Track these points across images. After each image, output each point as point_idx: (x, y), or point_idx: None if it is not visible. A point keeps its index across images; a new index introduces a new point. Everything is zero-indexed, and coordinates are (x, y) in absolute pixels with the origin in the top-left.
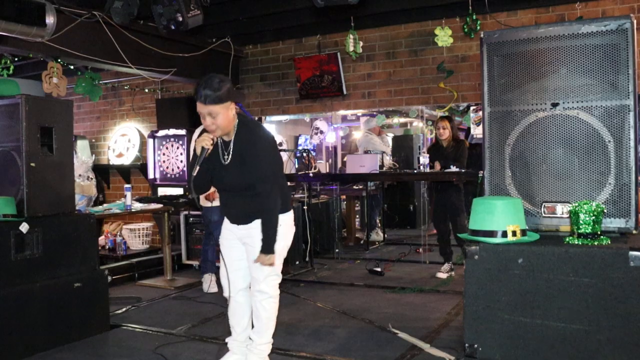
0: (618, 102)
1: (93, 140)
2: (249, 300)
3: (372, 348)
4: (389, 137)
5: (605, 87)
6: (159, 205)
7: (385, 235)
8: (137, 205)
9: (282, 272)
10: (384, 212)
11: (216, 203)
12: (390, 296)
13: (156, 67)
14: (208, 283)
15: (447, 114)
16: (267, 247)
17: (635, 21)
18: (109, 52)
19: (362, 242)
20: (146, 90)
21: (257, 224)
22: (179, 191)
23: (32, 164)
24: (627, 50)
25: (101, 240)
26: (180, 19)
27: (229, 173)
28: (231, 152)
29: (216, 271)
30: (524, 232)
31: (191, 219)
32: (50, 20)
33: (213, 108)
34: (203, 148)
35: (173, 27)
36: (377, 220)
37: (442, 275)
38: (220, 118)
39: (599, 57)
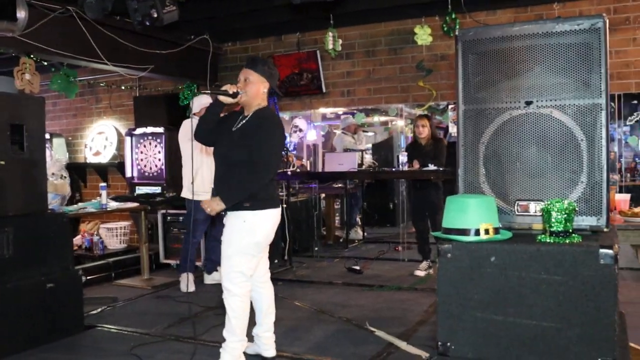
0: (590, 100)
1: (69, 138)
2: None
3: (348, 346)
4: (368, 135)
5: (578, 85)
6: (136, 204)
7: (365, 234)
8: (113, 204)
9: None
10: (363, 210)
11: (198, 197)
12: (369, 294)
13: (133, 64)
14: (186, 282)
15: (426, 112)
16: (223, 195)
17: (607, 21)
18: (83, 48)
19: (341, 240)
20: (123, 88)
21: (232, 216)
22: (156, 190)
23: (2, 162)
24: (599, 50)
25: (78, 239)
26: (155, 14)
27: (230, 140)
28: (242, 124)
29: (194, 271)
30: (496, 230)
31: (169, 217)
32: (21, 14)
33: (249, 73)
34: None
35: (148, 23)
36: (357, 219)
37: (420, 273)
38: (251, 87)
39: (573, 55)
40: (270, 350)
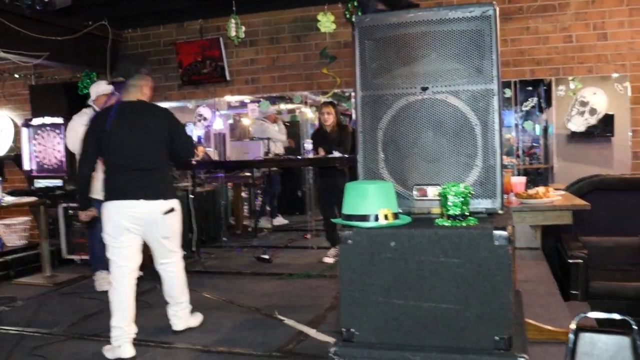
0: (483, 86)
1: None
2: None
3: (257, 336)
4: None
5: (471, 71)
6: (34, 199)
7: (274, 222)
8: (9, 199)
9: None
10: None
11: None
12: (278, 283)
13: (26, 50)
14: (100, 281)
15: (330, 99)
16: None
17: (497, 8)
18: None
19: (250, 229)
20: (17, 76)
21: None
22: (57, 183)
23: None
24: (490, 36)
25: None
26: None
27: None
28: None
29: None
30: (396, 216)
31: (70, 211)
32: None
33: None
34: None
35: (39, 7)
36: (267, 208)
37: (328, 260)
38: None
39: (465, 42)
40: (176, 325)
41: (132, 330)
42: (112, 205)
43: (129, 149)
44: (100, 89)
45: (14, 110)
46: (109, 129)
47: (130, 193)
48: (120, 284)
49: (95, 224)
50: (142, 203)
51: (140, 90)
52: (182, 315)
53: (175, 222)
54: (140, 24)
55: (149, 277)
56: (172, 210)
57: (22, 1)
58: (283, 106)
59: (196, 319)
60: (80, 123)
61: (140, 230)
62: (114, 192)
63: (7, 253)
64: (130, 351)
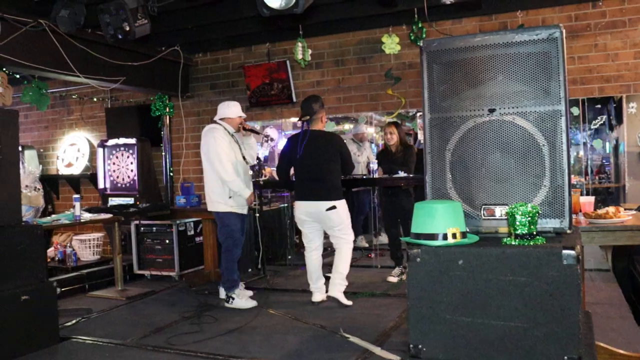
0: (550, 107)
1: (41, 150)
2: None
3: (323, 353)
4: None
5: (538, 93)
6: (109, 215)
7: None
8: (87, 216)
9: None
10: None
11: (234, 209)
12: None
13: (105, 75)
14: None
15: (394, 119)
16: None
17: (564, 30)
18: (56, 60)
19: None
20: (94, 100)
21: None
22: (129, 201)
23: None
24: (557, 58)
25: (51, 251)
26: (128, 28)
27: None
28: None
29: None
30: (464, 235)
31: (142, 228)
32: None
33: None
34: None
35: (120, 37)
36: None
37: (393, 279)
38: None
39: (532, 64)
40: (331, 291)
41: (318, 284)
42: (297, 203)
43: (309, 164)
44: (238, 110)
45: (91, 132)
46: (298, 150)
47: (306, 195)
48: (307, 258)
49: (240, 239)
50: (311, 203)
51: (320, 120)
52: (336, 283)
53: (338, 215)
54: (210, 49)
55: (211, 291)
56: (333, 207)
57: (105, 31)
58: (347, 126)
59: (346, 301)
60: (223, 146)
61: (313, 220)
62: (298, 194)
63: (82, 267)
64: (317, 297)
